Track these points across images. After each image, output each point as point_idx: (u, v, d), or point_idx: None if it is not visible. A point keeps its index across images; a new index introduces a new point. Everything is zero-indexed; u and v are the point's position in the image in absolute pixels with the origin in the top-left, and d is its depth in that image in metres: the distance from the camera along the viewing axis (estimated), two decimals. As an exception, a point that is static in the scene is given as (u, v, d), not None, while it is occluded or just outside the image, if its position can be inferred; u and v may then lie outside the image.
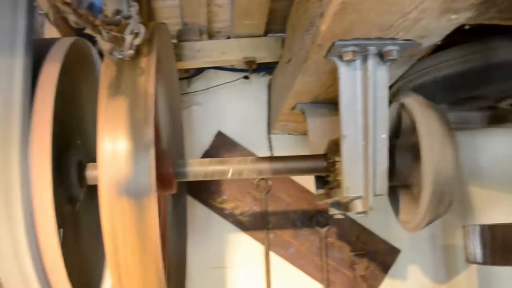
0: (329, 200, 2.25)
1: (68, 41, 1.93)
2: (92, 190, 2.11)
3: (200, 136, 3.40)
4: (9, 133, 1.62)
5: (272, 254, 3.34)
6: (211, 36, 3.13)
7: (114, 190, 1.58)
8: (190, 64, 3.10)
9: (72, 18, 1.27)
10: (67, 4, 1.19)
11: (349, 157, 1.92)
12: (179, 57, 2.98)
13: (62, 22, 2.80)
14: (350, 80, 1.89)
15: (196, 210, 3.32)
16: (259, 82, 3.44)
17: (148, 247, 1.62)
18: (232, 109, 3.45)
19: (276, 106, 3.09)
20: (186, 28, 2.99)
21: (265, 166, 2.15)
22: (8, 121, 1.63)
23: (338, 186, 2.04)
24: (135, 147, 1.59)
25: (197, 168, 2.11)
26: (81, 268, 2.04)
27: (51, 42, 1.95)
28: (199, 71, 3.39)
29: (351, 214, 2.30)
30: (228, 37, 3.16)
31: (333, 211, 2.32)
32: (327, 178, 2.22)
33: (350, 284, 3.34)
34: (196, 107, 3.43)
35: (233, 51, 3.06)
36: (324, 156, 2.19)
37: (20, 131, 1.63)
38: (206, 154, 3.37)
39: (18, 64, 1.66)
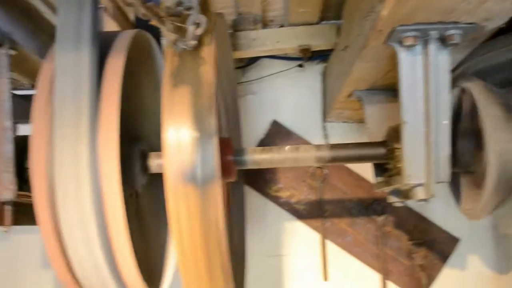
0: (388, 188, 2.23)
1: (130, 33, 1.98)
2: (154, 178, 2.19)
3: (255, 125, 3.42)
4: (79, 125, 1.68)
5: (328, 242, 3.34)
6: (264, 25, 3.14)
7: (179, 178, 1.61)
8: (245, 53, 3.12)
9: (140, 11, 1.31)
10: (136, -3, 1.23)
11: (410, 144, 1.90)
12: (234, 47, 3.01)
13: (120, 16, 2.87)
14: (411, 66, 1.86)
15: (252, 198, 3.36)
16: (313, 70, 3.43)
17: (213, 233, 1.64)
18: (286, 98, 3.46)
19: (331, 94, 3.08)
20: (241, 17, 3.00)
21: (325, 153, 2.14)
22: (77, 113, 1.68)
23: (398, 173, 2.02)
24: (198, 135, 1.62)
25: (257, 156, 2.12)
26: (144, 255, 2.09)
27: (113, 34, 2.00)
28: (253, 60, 3.40)
29: (409, 203, 2.28)
30: (282, 26, 3.16)
31: (392, 199, 2.30)
32: (387, 166, 2.19)
33: (408, 273, 3.31)
34: (251, 96, 3.45)
35: (287, 39, 3.06)
36: (383, 143, 2.17)
37: (89, 123, 1.68)
38: (262, 143, 3.40)
39: (85, 57, 1.71)
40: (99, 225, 1.70)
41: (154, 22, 1.46)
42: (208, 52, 1.72)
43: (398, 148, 2.01)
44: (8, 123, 1.98)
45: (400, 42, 1.81)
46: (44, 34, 2.27)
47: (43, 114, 1.76)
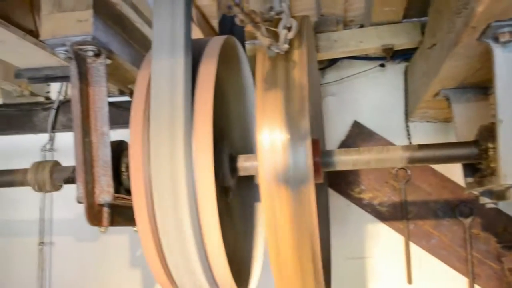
0: (480, 189, 2.16)
1: (220, 40, 2.01)
2: (241, 180, 2.22)
3: (336, 126, 3.41)
4: (174, 130, 1.71)
5: (412, 245, 3.28)
6: (345, 25, 3.13)
7: (273, 179, 1.64)
8: (326, 55, 3.13)
9: (240, 17, 1.36)
10: (237, 5, 1.28)
11: (507, 143, 1.84)
12: (316, 49, 3.01)
13: (204, 23, 2.95)
14: (507, 63, 1.81)
15: (334, 200, 3.35)
16: (394, 70, 3.39)
17: (307, 234, 1.66)
18: (367, 98, 3.43)
19: (416, 93, 3.02)
20: (322, 19, 3.01)
21: (414, 154, 2.09)
22: (173, 117, 1.72)
23: (492, 173, 1.96)
24: (292, 137, 1.64)
25: (344, 157, 2.10)
26: (234, 255, 2.13)
27: (201, 41, 2.05)
28: (333, 61, 3.39)
29: (501, 204, 2.20)
30: (361, 26, 3.14)
31: (484, 200, 2.23)
32: (479, 166, 2.13)
33: (497, 278, 3.18)
34: (331, 98, 3.44)
35: (370, 39, 3.04)
36: (475, 143, 2.10)
37: (184, 128, 1.71)
38: (343, 144, 3.38)
39: (180, 64, 1.76)
40: (194, 226, 1.73)
41: (249, 28, 1.50)
42: (299, 55, 1.74)
43: (492, 148, 1.96)
44: (106, 128, 2.06)
45: (495, 39, 1.76)
46: (136, 43, 2.36)
47: (141, 119, 1.82)
